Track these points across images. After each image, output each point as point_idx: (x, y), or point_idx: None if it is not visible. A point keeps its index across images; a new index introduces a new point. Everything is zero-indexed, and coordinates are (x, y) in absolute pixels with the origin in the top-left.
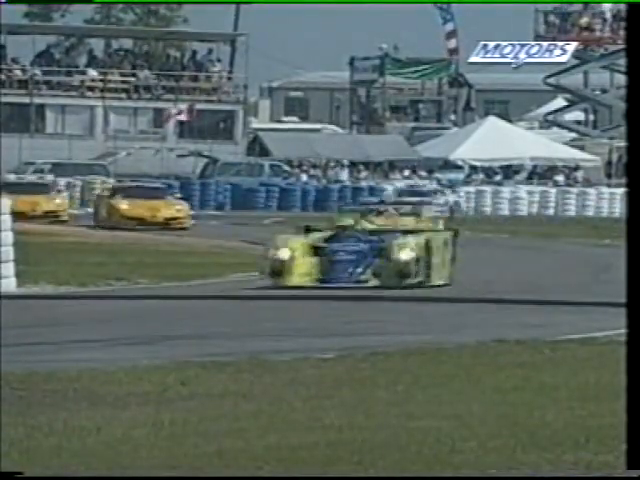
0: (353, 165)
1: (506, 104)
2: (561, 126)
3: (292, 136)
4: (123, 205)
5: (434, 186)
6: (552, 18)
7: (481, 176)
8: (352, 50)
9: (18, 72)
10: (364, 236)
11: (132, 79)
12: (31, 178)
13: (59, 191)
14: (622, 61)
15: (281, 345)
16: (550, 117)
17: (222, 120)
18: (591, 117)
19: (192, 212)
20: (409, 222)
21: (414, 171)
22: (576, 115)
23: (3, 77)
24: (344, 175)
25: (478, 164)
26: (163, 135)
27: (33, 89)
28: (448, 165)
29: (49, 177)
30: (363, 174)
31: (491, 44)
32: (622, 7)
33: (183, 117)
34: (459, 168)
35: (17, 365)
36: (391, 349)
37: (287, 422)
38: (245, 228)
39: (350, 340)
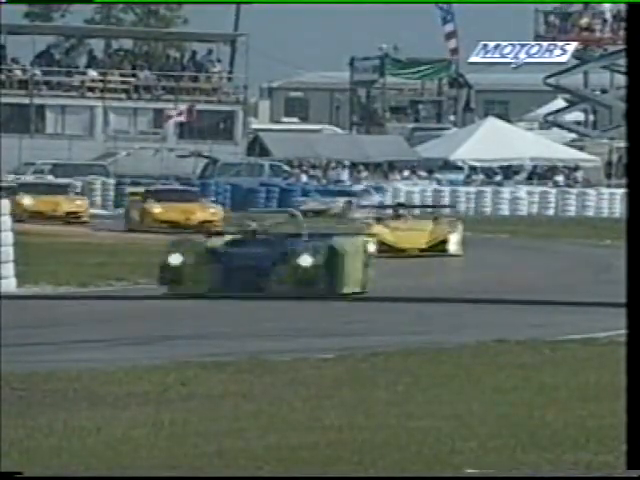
0: (353, 166)
1: (506, 104)
2: (561, 126)
3: (292, 136)
4: (156, 209)
5: (361, 187)
6: (552, 18)
7: (481, 176)
8: (352, 50)
9: (18, 72)
10: (268, 241)
11: (132, 79)
12: (30, 179)
13: (77, 193)
14: (622, 61)
15: (281, 345)
16: (550, 117)
17: (222, 120)
18: (591, 117)
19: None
20: (426, 225)
21: (414, 171)
22: (576, 115)
23: (3, 77)
24: (345, 175)
25: (478, 164)
26: (163, 135)
27: (33, 89)
28: (448, 165)
29: (49, 177)
30: (363, 174)
31: (491, 44)
32: (622, 7)
33: (183, 118)
34: (459, 168)
35: (17, 365)
36: (391, 349)
37: (287, 422)
38: None
39: (350, 340)
